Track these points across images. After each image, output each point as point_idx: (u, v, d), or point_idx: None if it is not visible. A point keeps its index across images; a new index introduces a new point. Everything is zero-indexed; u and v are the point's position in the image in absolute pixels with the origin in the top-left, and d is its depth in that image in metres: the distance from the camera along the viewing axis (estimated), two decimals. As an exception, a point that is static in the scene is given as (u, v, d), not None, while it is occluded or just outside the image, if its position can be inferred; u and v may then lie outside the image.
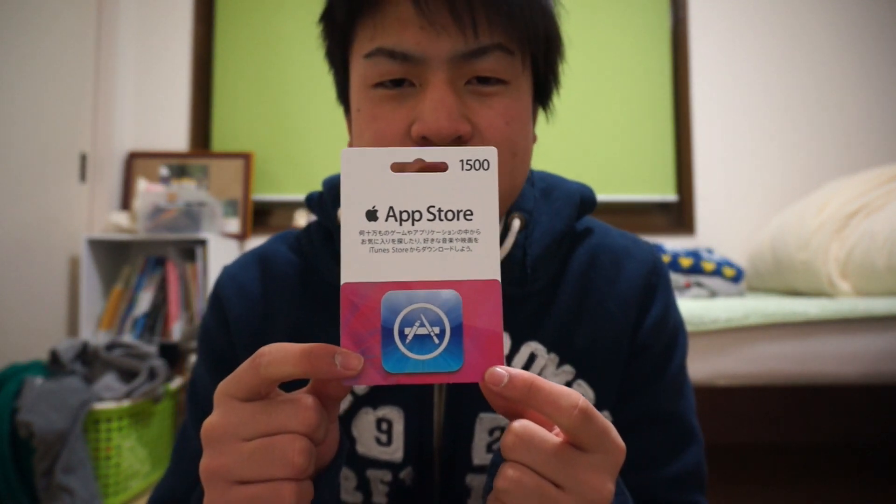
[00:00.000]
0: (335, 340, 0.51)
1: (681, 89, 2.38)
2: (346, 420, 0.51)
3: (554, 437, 0.31)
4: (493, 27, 0.44)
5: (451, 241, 0.32)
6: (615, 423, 0.52)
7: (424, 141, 0.44)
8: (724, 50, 2.39)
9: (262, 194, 2.40)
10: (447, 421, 0.50)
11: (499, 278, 0.32)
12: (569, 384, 0.52)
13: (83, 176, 2.18)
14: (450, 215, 0.32)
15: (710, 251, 1.97)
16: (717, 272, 1.84)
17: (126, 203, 2.32)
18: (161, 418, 1.78)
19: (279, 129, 2.42)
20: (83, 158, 2.18)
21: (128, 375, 1.65)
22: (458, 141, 0.44)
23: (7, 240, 1.79)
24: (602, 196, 2.31)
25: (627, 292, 0.53)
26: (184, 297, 2.11)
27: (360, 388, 0.51)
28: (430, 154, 0.33)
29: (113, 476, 1.56)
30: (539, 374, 0.52)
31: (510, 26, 0.45)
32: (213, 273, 2.05)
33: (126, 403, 1.57)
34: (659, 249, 1.92)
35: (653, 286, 0.55)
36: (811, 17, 2.38)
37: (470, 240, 0.32)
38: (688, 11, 2.40)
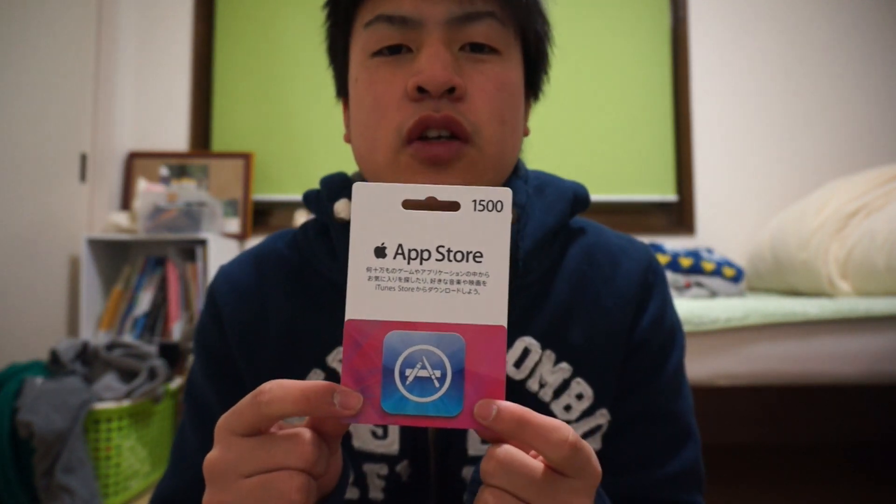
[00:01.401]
0: (326, 334, 0.52)
1: (681, 89, 2.38)
2: None
3: (535, 462, 0.31)
4: None
5: (458, 282, 0.32)
6: (613, 420, 0.53)
7: (420, 92, 0.45)
8: (724, 50, 2.39)
9: (262, 194, 2.40)
10: None
11: (505, 324, 0.31)
12: (566, 382, 0.52)
13: (83, 176, 2.18)
14: (459, 256, 0.32)
15: (710, 251, 1.97)
16: (716, 272, 1.84)
17: (126, 203, 2.32)
18: (161, 418, 1.78)
19: (279, 129, 2.43)
20: (83, 158, 2.18)
21: (128, 375, 1.65)
22: (452, 93, 0.45)
23: (7, 239, 1.79)
24: (602, 196, 2.34)
25: (624, 290, 0.53)
26: (184, 297, 2.11)
27: None
28: (444, 192, 0.32)
29: (113, 476, 1.56)
30: (533, 368, 0.51)
31: None
32: (214, 273, 2.05)
33: (126, 403, 1.57)
34: (659, 249, 1.92)
35: (650, 284, 0.55)
36: (811, 16, 2.38)
37: (478, 283, 0.32)
38: (688, 11, 2.40)
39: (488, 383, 0.30)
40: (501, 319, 0.31)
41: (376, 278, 0.31)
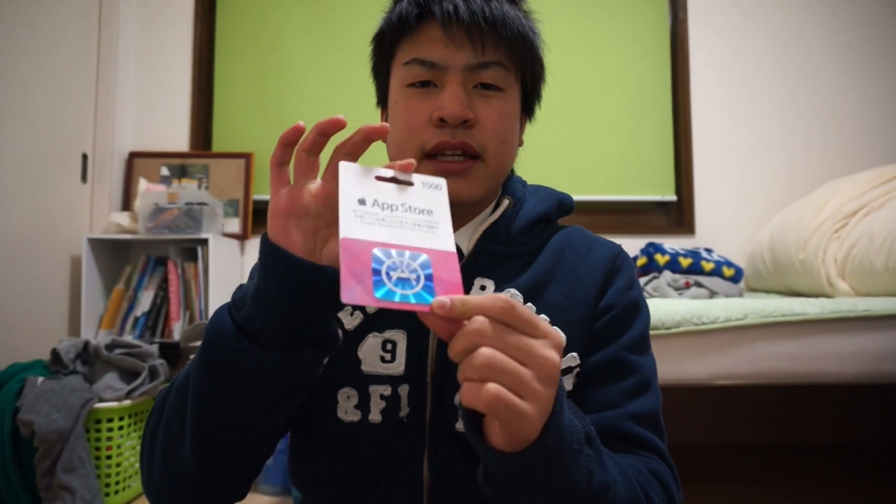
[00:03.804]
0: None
1: (680, 89, 2.38)
2: (354, 343, 0.60)
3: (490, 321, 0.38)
4: (496, 48, 0.62)
5: (419, 225, 0.42)
6: (582, 371, 0.61)
7: (441, 122, 0.60)
8: (724, 50, 2.39)
9: (263, 194, 2.41)
10: (440, 343, 0.59)
11: (454, 251, 0.41)
12: None
13: (84, 176, 2.19)
14: (417, 211, 0.43)
15: (709, 251, 1.97)
16: (716, 272, 1.85)
17: (127, 203, 2.32)
18: (162, 418, 1.78)
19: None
20: (84, 158, 2.19)
21: (129, 375, 1.65)
22: (465, 125, 0.60)
23: (9, 239, 1.79)
24: (602, 196, 2.34)
25: (595, 267, 0.66)
26: (184, 296, 2.12)
27: (370, 309, 0.62)
28: (403, 176, 0.44)
29: (114, 475, 1.56)
30: None
31: (508, 50, 0.63)
32: (214, 273, 2.05)
33: (127, 403, 1.57)
34: (658, 249, 1.92)
35: (617, 267, 0.66)
36: (811, 16, 2.39)
37: (432, 227, 0.43)
38: (688, 11, 2.41)
39: (450, 284, 0.40)
40: (451, 248, 0.42)
41: (361, 216, 0.40)
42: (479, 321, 0.37)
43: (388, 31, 0.65)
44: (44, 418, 1.39)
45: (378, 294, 0.37)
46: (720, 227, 2.33)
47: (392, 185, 0.43)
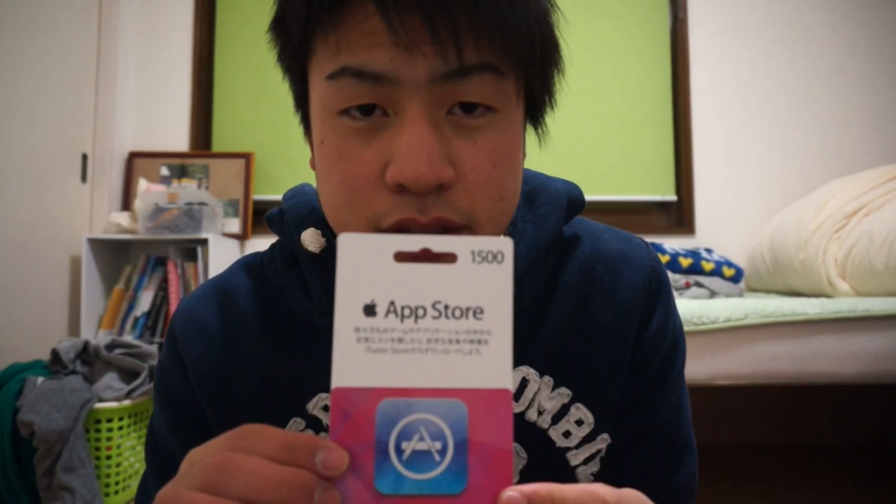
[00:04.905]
0: (305, 379, 0.48)
1: (680, 89, 2.38)
2: None
3: None
4: (480, 45, 0.37)
5: (457, 342, 0.28)
6: (614, 439, 0.50)
7: (400, 188, 0.37)
8: (724, 50, 2.39)
9: (263, 194, 2.41)
10: None
11: (510, 387, 0.28)
12: (566, 407, 0.49)
13: (84, 176, 2.19)
14: (457, 313, 0.28)
15: (709, 251, 1.97)
16: (716, 272, 1.85)
17: (127, 203, 2.32)
18: (162, 418, 1.78)
19: (279, 129, 2.43)
20: (84, 159, 2.19)
21: (128, 375, 1.65)
22: (440, 188, 0.38)
23: (8, 239, 1.79)
24: (602, 196, 2.34)
25: (626, 303, 0.49)
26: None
27: None
28: (439, 243, 0.29)
29: (113, 475, 1.56)
30: (532, 399, 0.48)
31: (502, 43, 0.38)
32: (214, 273, 2.05)
33: (127, 403, 1.57)
34: (659, 249, 1.92)
35: (653, 292, 0.51)
36: (811, 16, 2.39)
37: (479, 342, 0.28)
38: (687, 11, 2.40)
39: (494, 454, 0.27)
40: (506, 382, 0.28)
41: (366, 339, 0.28)
42: None
43: (292, 18, 0.40)
44: (44, 418, 1.39)
45: (381, 487, 0.26)
46: (720, 227, 2.33)
47: (421, 269, 0.29)
